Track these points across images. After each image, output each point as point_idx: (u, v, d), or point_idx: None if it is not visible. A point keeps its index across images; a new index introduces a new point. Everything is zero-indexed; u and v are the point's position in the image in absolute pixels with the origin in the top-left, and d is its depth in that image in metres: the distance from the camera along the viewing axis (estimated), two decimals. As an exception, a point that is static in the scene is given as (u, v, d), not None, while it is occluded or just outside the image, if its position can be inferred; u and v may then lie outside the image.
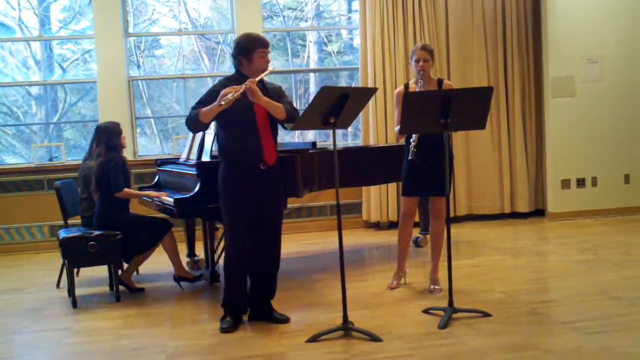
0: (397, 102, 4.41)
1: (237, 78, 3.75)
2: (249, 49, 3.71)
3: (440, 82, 4.38)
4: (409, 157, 4.17)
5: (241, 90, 3.54)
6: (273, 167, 3.83)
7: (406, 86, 4.46)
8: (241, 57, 3.74)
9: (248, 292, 3.91)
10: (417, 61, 4.31)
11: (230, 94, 3.51)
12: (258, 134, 3.73)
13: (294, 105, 3.86)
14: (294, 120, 3.78)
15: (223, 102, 3.50)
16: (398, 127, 4.32)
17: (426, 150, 4.21)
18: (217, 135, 3.98)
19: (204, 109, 3.61)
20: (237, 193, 3.75)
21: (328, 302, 4.22)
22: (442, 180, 4.07)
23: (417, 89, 4.26)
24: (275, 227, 3.92)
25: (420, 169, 4.26)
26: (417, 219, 6.09)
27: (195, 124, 3.68)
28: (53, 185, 5.25)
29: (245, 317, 3.91)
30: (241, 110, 3.65)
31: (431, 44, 6.96)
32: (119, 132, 4.82)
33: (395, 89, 5.35)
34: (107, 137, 4.75)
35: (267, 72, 3.72)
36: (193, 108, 3.72)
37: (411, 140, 4.20)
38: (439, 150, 4.10)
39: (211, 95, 3.66)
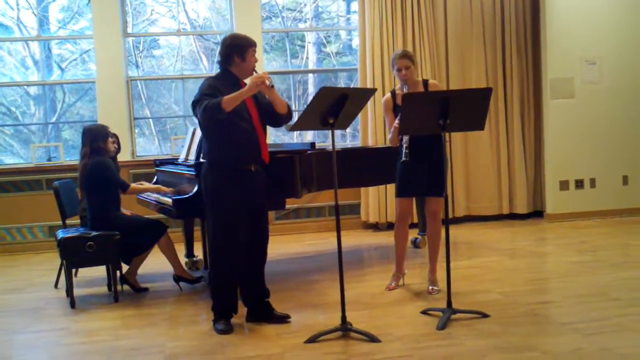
0: (386, 110, 4.41)
1: (227, 77, 3.69)
2: (244, 48, 3.69)
3: (425, 82, 4.37)
4: (403, 159, 4.15)
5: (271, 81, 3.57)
6: (260, 168, 3.82)
7: (393, 93, 4.43)
8: (235, 56, 3.68)
9: (239, 297, 3.87)
10: (399, 70, 4.27)
11: (266, 78, 3.52)
12: (256, 134, 3.73)
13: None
14: (292, 115, 3.80)
15: (273, 85, 3.55)
16: (390, 135, 4.32)
17: (421, 150, 4.19)
18: (207, 142, 3.76)
19: (227, 97, 3.46)
20: (235, 201, 3.66)
21: (326, 303, 4.22)
22: (438, 181, 4.07)
23: None
24: (265, 229, 3.89)
25: (415, 169, 4.25)
26: (416, 220, 6.12)
27: (215, 112, 3.44)
28: (51, 186, 5.25)
29: (243, 319, 3.90)
30: (237, 110, 3.57)
31: (430, 45, 6.99)
32: (104, 135, 4.74)
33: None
34: (91, 138, 4.68)
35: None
36: (199, 101, 3.53)
37: (403, 142, 4.18)
38: (434, 151, 4.10)
39: (212, 91, 3.55)
